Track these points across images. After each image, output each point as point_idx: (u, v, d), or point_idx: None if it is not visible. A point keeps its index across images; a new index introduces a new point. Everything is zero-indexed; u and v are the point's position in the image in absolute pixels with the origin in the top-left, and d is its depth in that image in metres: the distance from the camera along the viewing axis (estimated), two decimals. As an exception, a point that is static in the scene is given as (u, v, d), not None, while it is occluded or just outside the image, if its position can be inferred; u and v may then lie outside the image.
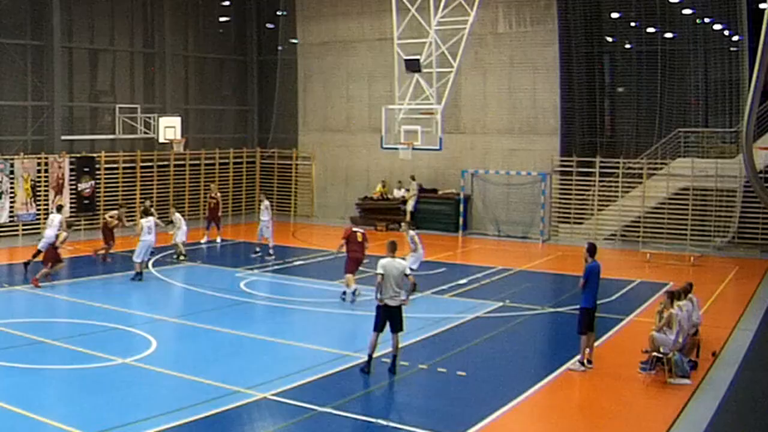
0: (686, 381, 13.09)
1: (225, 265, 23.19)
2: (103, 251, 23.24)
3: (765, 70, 17.19)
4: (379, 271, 13.34)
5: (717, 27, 27.43)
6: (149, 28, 32.32)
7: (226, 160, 34.15)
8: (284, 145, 35.21)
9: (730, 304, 19.40)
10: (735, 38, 26.85)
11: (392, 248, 13.71)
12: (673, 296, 13.93)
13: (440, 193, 31.11)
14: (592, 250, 13.92)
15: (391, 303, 13.30)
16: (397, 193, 31.70)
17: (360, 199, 32.51)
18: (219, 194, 27.48)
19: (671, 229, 27.37)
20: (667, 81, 27.91)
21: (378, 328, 13.32)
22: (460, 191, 30.31)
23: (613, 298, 19.10)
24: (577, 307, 14.00)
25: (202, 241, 26.43)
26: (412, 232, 19.63)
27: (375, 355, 13.31)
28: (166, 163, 31.73)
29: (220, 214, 27.28)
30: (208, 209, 27.38)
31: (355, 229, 19.34)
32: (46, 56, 28.10)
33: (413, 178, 31.14)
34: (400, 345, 13.51)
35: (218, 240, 26.85)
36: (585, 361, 13.78)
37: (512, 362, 14.60)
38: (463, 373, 13.32)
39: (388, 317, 13.29)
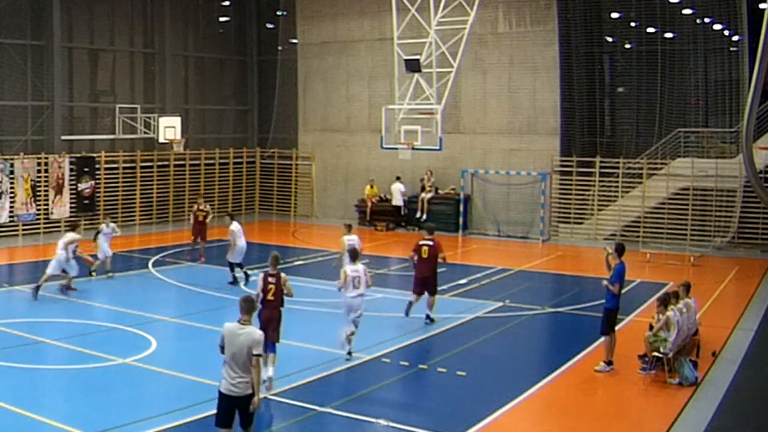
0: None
1: (225, 265, 23.12)
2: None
3: (765, 70, 17.22)
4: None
5: (717, 27, 27.40)
6: (149, 28, 32.31)
7: (226, 160, 34.14)
8: (284, 145, 35.20)
9: (730, 304, 19.40)
10: (735, 38, 26.83)
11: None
12: (667, 300, 13.85)
13: (440, 193, 31.09)
14: (620, 250, 13.79)
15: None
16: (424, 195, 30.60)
17: (359, 200, 32.48)
18: (209, 206, 24.29)
19: (671, 229, 27.35)
20: (667, 81, 27.89)
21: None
22: (460, 191, 30.31)
23: (613, 298, 19.06)
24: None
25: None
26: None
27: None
28: (166, 163, 31.72)
29: (209, 227, 23.95)
30: (195, 222, 23.84)
31: (422, 242, 16.78)
32: (46, 56, 28.09)
33: (431, 173, 30.79)
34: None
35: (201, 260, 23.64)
36: (608, 361, 13.75)
37: (512, 362, 14.61)
38: (463, 373, 13.32)
39: None
